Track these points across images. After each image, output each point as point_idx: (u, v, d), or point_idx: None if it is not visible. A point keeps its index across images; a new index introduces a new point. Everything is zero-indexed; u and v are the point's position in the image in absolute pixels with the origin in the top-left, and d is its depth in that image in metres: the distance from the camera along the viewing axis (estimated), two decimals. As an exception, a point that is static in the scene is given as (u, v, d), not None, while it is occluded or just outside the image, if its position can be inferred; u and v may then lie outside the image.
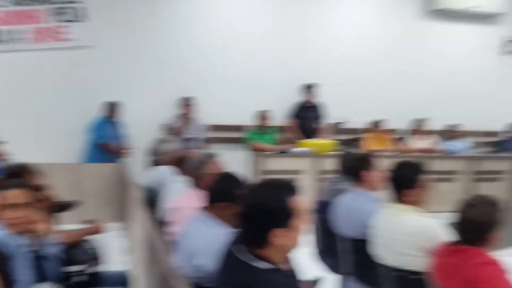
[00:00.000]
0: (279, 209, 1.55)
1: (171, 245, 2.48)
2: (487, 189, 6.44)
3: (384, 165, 2.70)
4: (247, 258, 1.58)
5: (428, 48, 7.69)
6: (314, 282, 3.31)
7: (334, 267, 3.30)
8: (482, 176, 6.73)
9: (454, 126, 7.41)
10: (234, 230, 1.72)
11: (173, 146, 4.69)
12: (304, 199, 1.61)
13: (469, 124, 7.59)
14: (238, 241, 1.64)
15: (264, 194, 1.57)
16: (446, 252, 2.19)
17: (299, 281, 1.85)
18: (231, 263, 1.64)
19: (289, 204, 1.56)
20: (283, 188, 1.59)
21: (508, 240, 4.72)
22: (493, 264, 2.04)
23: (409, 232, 2.41)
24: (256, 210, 1.55)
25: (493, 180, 6.76)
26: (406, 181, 2.53)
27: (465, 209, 2.13)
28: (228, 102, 6.98)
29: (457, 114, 7.55)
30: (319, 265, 3.48)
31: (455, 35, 7.76)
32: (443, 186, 6.43)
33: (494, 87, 7.88)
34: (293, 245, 1.63)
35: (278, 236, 1.55)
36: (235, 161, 6.26)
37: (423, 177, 2.55)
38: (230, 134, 6.98)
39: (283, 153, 6.36)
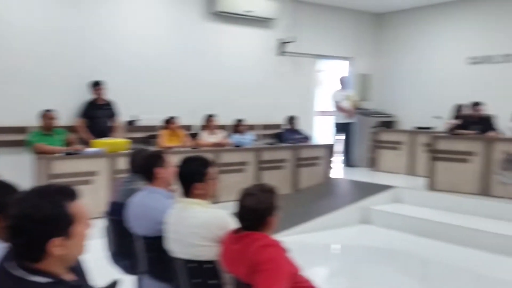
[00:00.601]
0: (55, 216, 1.41)
1: None
2: (271, 177, 7.13)
3: (177, 161, 2.74)
4: (23, 274, 1.41)
5: (215, 48, 8.10)
6: (111, 286, 3.19)
7: (129, 268, 3.23)
8: (266, 165, 7.39)
9: (240, 120, 7.97)
10: (6, 245, 1.53)
11: None
12: (84, 203, 1.52)
13: (252, 118, 8.27)
14: (11, 256, 1.46)
15: (37, 201, 1.41)
16: (231, 240, 2.32)
17: (91, 288, 1.75)
18: (5, 282, 1.45)
19: (67, 210, 1.43)
20: (59, 193, 1.45)
21: (286, 222, 5.30)
22: (274, 245, 2.20)
23: (198, 224, 2.48)
24: (28, 221, 1.38)
25: (276, 168, 7.49)
26: (194, 176, 2.60)
27: (244, 198, 2.28)
28: (6, 102, 6.26)
29: (242, 109, 8.18)
30: (114, 268, 3.37)
31: (238, 36, 8.33)
32: (234, 176, 6.87)
33: (273, 84, 8.74)
34: (77, 253, 1.52)
35: (58, 246, 1.41)
36: (17, 166, 5.69)
37: (210, 170, 2.67)
38: (10, 137, 6.26)
39: (72, 154, 5.95)
